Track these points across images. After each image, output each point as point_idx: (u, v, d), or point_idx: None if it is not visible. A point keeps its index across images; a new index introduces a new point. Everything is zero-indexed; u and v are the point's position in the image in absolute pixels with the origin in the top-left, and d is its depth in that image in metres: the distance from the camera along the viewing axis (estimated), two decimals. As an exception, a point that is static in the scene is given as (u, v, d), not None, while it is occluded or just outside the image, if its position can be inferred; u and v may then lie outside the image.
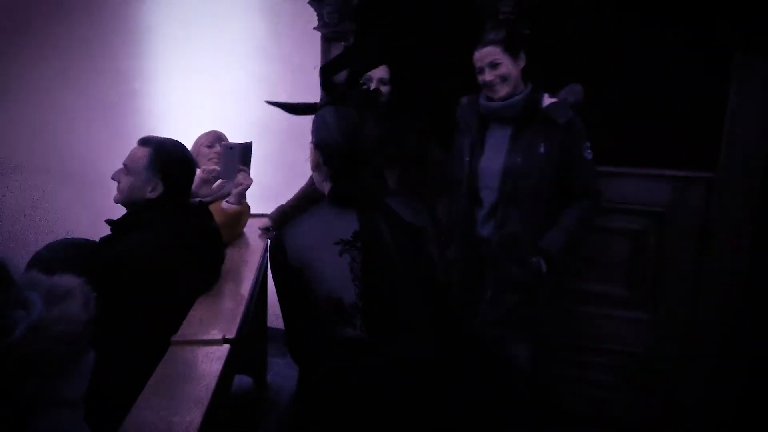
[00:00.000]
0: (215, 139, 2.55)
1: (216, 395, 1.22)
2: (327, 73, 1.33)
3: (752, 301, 2.28)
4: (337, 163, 1.30)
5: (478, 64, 2.08)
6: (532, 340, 2.16)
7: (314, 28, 2.67)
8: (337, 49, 2.62)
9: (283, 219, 2.47)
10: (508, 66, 2.04)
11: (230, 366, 1.38)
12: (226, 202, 2.29)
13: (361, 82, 1.36)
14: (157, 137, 1.81)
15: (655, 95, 2.38)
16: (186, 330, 1.49)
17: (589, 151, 2.06)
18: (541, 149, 2.03)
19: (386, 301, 1.22)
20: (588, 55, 2.35)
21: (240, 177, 2.28)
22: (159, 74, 3.45)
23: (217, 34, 3.33)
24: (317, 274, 1.23)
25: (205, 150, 2.51)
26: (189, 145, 2.07)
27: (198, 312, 1.62)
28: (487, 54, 2.04)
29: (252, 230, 2.49)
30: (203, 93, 3.38)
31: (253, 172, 2.40)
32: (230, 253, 2.10)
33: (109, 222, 1.70)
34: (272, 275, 1.30)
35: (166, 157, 1.77)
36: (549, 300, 2.14)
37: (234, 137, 3.41)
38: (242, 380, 2.63)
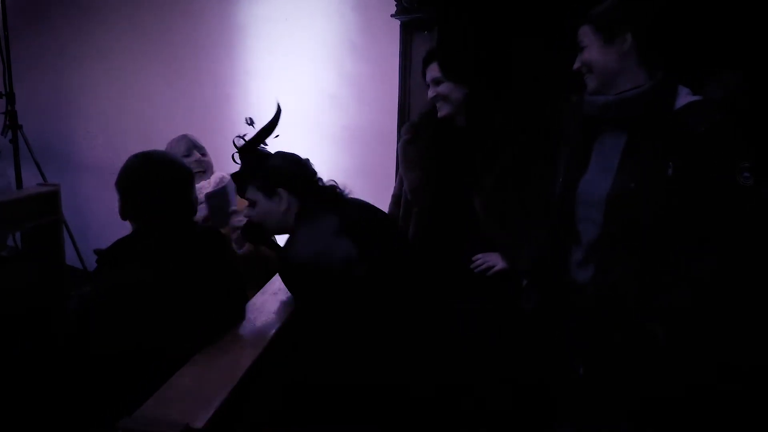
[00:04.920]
0: (190, 145, 2.31)
1: None
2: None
3: None
4: None
5: None
6: None
7: (392, 16, 2.27)
8: (420, 40, 2.20)
9: None
10: (593, 51, 1.48)
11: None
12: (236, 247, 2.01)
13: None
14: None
15: None
16: (154, 407, 1.18)
17: (747, 174, 1.39)
18: (669, 170, 1.42)
19: None
20: (754, 33, 1.66)
21: (234, 221, 1.97)
22: (252, 75, 3.30)
23: (309, 31, 3.09)
24: None
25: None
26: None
27: (187, 376, 1.31)
28: (579, 34, 1.51)
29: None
30: (295, 95, 3.16)
31: (344, 177, 2.07)
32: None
33: (97, 252, 1.48)
34: None
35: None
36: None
37: (328, 142, 3.19)
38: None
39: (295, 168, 1.71)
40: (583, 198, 1.57)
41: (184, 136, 2.36)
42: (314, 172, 1.74)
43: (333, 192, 1.71)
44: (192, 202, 1.60)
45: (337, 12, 2.99)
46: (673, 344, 1.44)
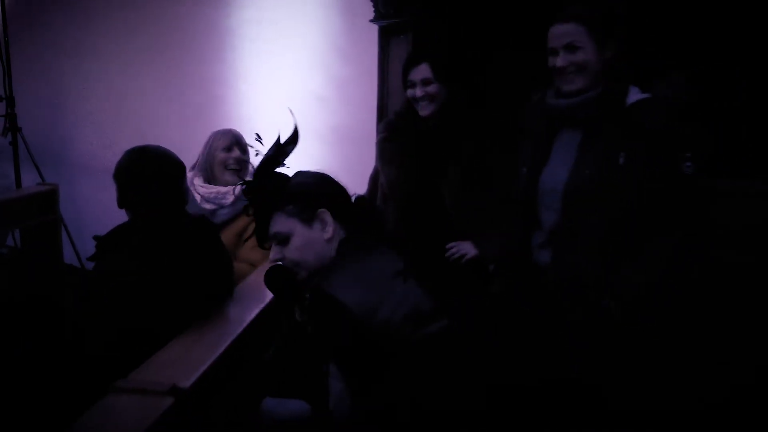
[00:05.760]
0: (233, 141, 2.18)
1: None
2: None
3: None
4: None
5: (551, 44, 1.63)
6: None
7: (370, 21, 2.41)
8: (396, 43, 2.33)
9: None
10: (588, 52, 1.58)
11: (170, 427, 1.17)
12: None
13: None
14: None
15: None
16: (145, 371, 1.31)
17: (689, 164, 1.55)
18: (621, 160, 1.57)
19: None
20: (695, 36, 1.81)
21: None
22: (242, 78, 3.42)
23: (296, 34, 3.22)
24: None
25: (222, 155, 2.18)
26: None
27: (176, 346, 1.44)
28: (564, 33, 1.59)
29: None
30: (285, 97, 3.29)
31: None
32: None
33: (96, 238, 1.60)
34: None
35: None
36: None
37: (317, 143, 3.31)
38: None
39: (331, 186, 1.38)
40: (544, 187, 1.71)
41: (230, 130, 2.22)
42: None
43: (379, 218, 1.46)
44: (184, 194, 1.72)
45: (323, 16, 3.11)
46: (628, 321, 1.56)
